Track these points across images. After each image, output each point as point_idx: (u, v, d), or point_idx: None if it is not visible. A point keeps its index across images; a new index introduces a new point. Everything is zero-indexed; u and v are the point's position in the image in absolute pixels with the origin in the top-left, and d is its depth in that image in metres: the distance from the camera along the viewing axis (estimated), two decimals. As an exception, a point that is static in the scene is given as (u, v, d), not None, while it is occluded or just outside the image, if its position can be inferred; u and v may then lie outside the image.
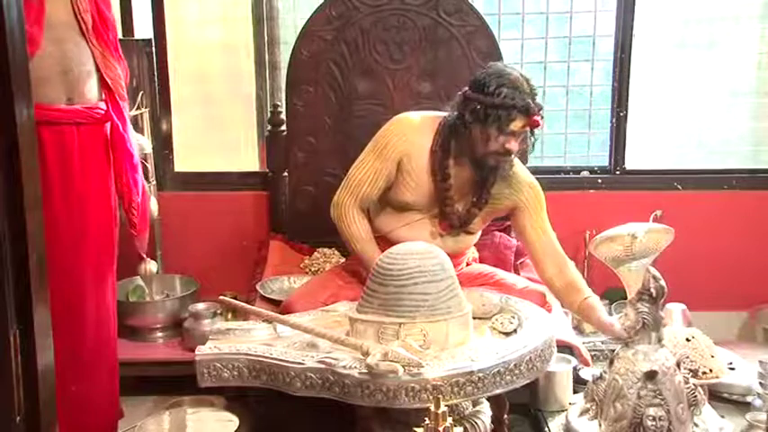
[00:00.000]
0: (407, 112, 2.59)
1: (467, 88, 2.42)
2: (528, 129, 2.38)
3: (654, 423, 2.08)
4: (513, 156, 2.43)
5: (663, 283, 2.16)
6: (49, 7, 2.32)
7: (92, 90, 2.46)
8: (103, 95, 2.51)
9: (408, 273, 2.06)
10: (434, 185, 2.48)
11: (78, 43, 2.40)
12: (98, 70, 2.47)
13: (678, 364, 2.18)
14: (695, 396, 2.19)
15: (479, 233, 2.67)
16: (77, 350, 2.47)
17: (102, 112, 2.49)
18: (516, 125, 2.33)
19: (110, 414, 2.64)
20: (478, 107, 2.33)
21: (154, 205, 3.27)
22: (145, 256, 2.93)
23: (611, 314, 3.32)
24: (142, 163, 3.20)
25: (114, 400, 2.66)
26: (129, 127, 2.65)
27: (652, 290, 2.15)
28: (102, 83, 2.49)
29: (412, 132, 2.48)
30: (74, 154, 2.42)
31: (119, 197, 2.61)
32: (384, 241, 2.47)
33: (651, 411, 2.09)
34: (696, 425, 2.19)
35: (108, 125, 2.52)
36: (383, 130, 2.52)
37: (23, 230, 1.16)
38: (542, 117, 2.39)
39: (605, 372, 2.23)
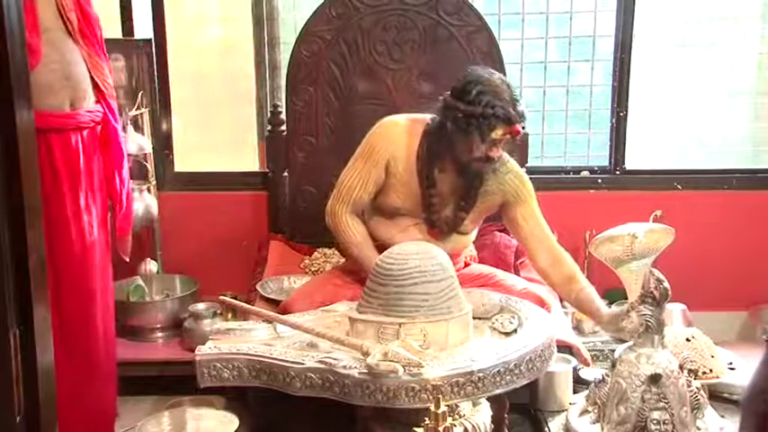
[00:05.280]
0: (394, 115, 2.58)
1: (448, 93, 2.40)
2: (510, 136, 2.36)
3: (658, 427, 2.07)
4: (496, 162, 2.41)
5: (667, 285, 2.15)
6: (40, 12, 2.30)
7: (90, 93, 2.45)
8: (96, 97, 2.50)
9: (408, 273, 2.06)
10: (421, 191, 2.48)
11: (70, 45, 2.39)
12: (89, 72, 2.45)
13: (681, 367, 2.18)
14: (698, 399, 2.19)
15: (474, 233, 2.67)
16: (86, 350, 2.48)
17: (101, 114, 2.49)
18: (497, 134, 2.31)
19: (109, 414, 2.65)
20: (459, 115, 2.31)
21: (154, 205, 3.27)
22: (127, 256, 2.91)
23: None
24: (142, 163, 3.22)
25: (113, 400, 2.67)
26: (120, 126, 2.65)
27: (655, 292, 2.14)
28: (93, 84, 2.48)
29: (397, 136, 2.47)
30: (78, 158, 2.41)
31: (109, 198, 2.61)
32: (381, 249, 2.46)
33: (655, 415, 2.08)
34: (698, 428, 2.19)
35: (98, 127, 2.52)
36: (369, 134, 2.52)
37: (23, 231, 1.16)
38: (524, 127, 2.38)
39: (607, 375, 2.23)
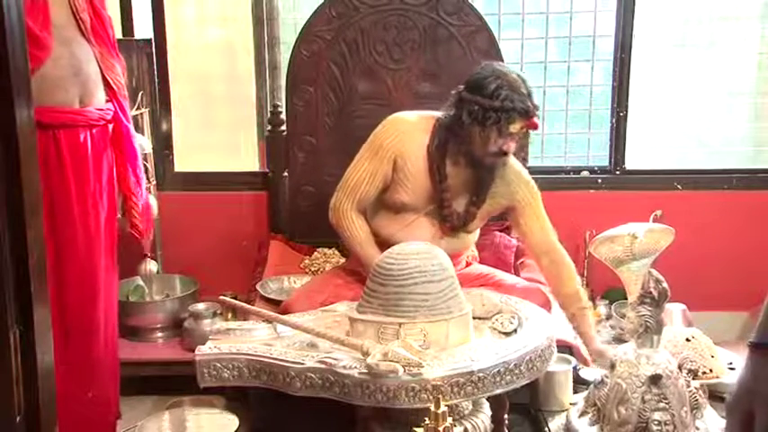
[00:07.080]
0: (402, 111, 2.59)
1: (462, 88, 2.41)
2: (526, 130, 2.38)
3: (660, 427, 2.07)
4: (509, 156, 2.45)
5: (665, 285, 2.15)
6: (51, 9, 2.31)
7: (100, 91, 2.46)
8: (108, 95, 2.51)
9: (408, 273, 2.06)
10: (432, 186, 2.48)
11: (82, 43, 2.40)
12: (100, 70, 2.47)
13: (680, 367, 2.18)
14: (697, 399, 2.19)
15: (478, 232, 2.68)
16: (88, 349, 2.48)
17: (112, 112, 2.49)
18: (515, 127, 2.33)
19: (110, 414, 2.65)
20: (476, 108, 2.32)
21: (154, 205, 3.27)
22: (148, 254, 2.95)
23: (610, 315, 3.33)
24: (142, 163, 3.22)
25: (115, 400, 2.67)
26: (131, 127, 2.66)
27: (654, 292, 2.14)
28: (105, 83, 2.49)
29: (406, 132, 2.48)
30: (87, 156, 2.42)
31: (122, 198, 2.61)
32: (383, 245, 2.46)
33: (656, 416, 2.08)
34: (698, 428, 2.19)
35: (110, 126, 2.53)
36: (377, 130, 2.52)
37: (23, 231, 1.16)
38: (539, 117, 2.40)
39: (606, 376, 2.22)
